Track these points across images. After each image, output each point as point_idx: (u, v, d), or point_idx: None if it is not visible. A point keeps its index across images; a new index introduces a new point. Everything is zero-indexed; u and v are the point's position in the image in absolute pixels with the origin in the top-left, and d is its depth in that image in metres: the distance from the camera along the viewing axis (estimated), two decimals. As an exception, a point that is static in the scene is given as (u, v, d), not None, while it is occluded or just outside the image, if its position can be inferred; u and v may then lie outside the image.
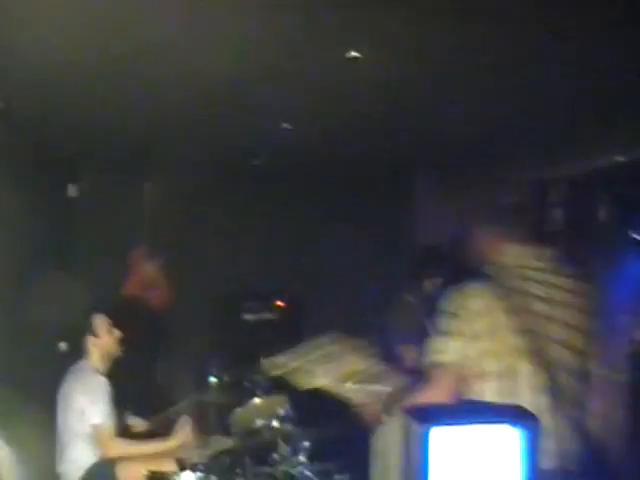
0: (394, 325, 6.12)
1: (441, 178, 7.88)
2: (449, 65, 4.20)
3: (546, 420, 3.29)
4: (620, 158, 5.56)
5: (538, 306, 3.42)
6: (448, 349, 3.44)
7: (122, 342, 5.18)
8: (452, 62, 4.14)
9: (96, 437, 4.88)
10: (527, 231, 3.72)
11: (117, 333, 5.16)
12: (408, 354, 5.98)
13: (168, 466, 4.74)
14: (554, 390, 3.34)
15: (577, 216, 6.75)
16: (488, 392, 3.38)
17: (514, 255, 3.57)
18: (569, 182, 7.02)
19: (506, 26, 3.56)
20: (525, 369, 3.38)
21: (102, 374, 5.03)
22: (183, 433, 5.06)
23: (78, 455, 4.89)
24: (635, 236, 5.54)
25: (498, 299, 3.44)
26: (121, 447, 4.95)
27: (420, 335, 6.01)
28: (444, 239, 7.33)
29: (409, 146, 6.58)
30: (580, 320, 3.42)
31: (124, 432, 5.17)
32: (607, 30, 3.54)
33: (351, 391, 4.08)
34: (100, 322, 5.13)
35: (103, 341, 5.11)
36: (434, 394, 3.43)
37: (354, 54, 3.94)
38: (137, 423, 5.49)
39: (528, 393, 3.35)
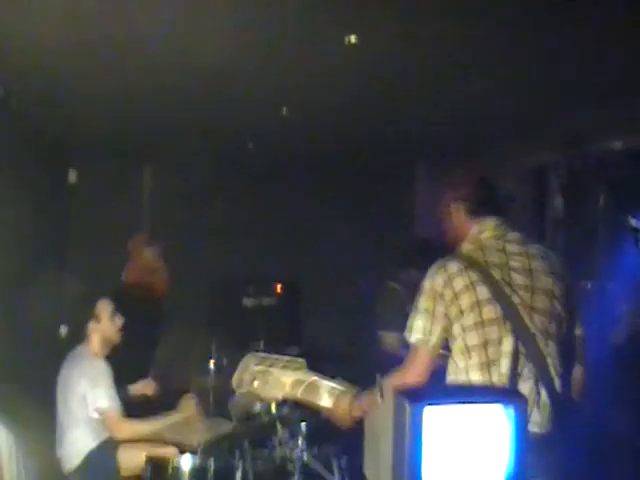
0: (379, 312, 6.22)
1: (440, 167, 7.91)
2: (448, 52, 4.21)
3: (527, 388, 3.36)
4: (618, 144, 5.57)
5: (517, 277, 3.46)
6: (428, 329, 3.50)
7: (123, 329, 5.20)
8: (450, 49, 4.16)
9: (104, 420, 4.90)
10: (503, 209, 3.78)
11: (119, 320, 5.18)
12: (388, 340, 6.11)
13: (167, 449, 4.79)
14: (535, 359, 3.38)
15: (575, 203, 6.76)
16: (471, 365, 3.44)
17: (491, 229, 3.61)
18: (567, 169, 7.04)
19: (500, 12, 3.58)
20: (507, 340, 3.42)
21: (102, 358, 5.06)
22: (188, 407, 5.09)
23: (78, 440, 4.92)
24: (632, 223, 5.56)
25: (478, 273, 3.48)
26: (131, 427, 4.98)
27: (404, 323, 6.16)
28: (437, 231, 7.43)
29: (408, 134, 6.59)
30: (560, 290, 3.46)
31: (129, 405, 5.19)
32: (603, 17, 3.56)
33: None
34: (103, 307, 5.15)
35: (104, 326, 5.12)
36: (410, 374, 3.49)
37: (353, 40, 3.95)
38: (144, 385, 5.52)
39: (509, 363, 3.39)
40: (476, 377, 3.36)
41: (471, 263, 3.50)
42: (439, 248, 6.80)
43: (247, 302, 7.41)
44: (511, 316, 3.40)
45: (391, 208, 7.97)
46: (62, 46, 4.10)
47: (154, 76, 4.70)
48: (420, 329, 3.52)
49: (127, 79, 4.76)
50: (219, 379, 5.53)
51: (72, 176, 7.24)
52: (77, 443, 4.90)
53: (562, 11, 3.52)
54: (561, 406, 3.36)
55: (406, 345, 6.06)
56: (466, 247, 3.62)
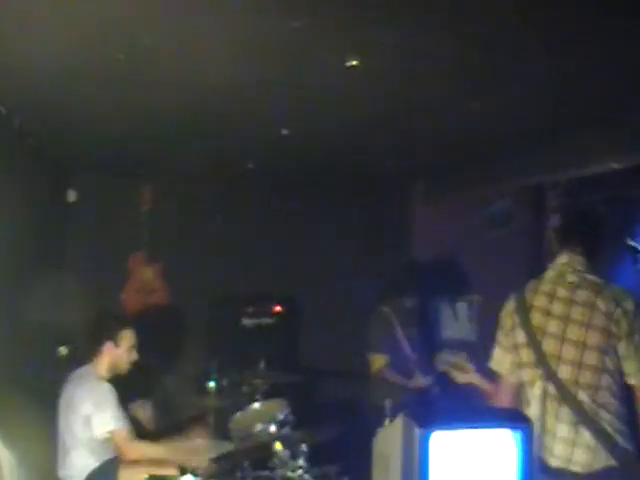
0: (370, 334, 6.33)
1: (437, 186, 7.94)
2: (445, 71, 4.23)
3: (565, 430, 3.39)
4: (615, 165, 5.59)
5: (553, 325, 3.52)
6: (499, 359, 3.76)
7: (133, 364, 5.18)
8: (447, 68, 4.17)
9: (115, 441, 4.88)
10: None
11: (134, 356, 5.16)
12: (375, 362, 6.22)
13: (169, 470, 4.78)
14: (571, 403, 3.41)
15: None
16: (522, 400, 3.56)
17: (557, 267, 3.65)
18: (565, 188, 7.06)
19: (501, 31, 3.60)
20: (537, 384, 3.49)
21: (106, 380, 5.03)
22: (200, 434, 5.08)
23: (80, 460, 4.89)
24: (631, 243, 5.60)
25: (520, 317, 3.58)
26: (141, 448, 4.96)
27: (392, 346, 6.33)
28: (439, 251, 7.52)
29: (408, 154, 6.61)
30: (603, 336, 3.45)
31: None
32: (600, 34, 3.59)
33: None
34: (127, 336, 5.12)
35: (120, 353, 5.08)
36: (495, 401, 3.67)
37: (353, 62, 3.97)
38: (138, 406, 5.49)
39: (538, 405, 3.45)
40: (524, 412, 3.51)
41: (519, 305, 3.61)
42: (434, 273, 6.91)
43: (247, 322, 7.40)
44: (541, 362, 3.46)
45: (391, 228, 7.99)
46: (63, 65, 4.11)
47: (154, 94, 4.70)
48: (494, 359, 3.78)
49: (127, 97, 4.77)
50: (219, 399, 5.53)
51: (71, 196, 7.23)
52: (79, 463, 4.88)
53: (560, 30, 3.54)
54: (615, 448, 3.37)
55: (393, 367, 6.26)
56: (533, 283, 3.71)
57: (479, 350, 4.21)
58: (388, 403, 3.75)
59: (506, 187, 7.40)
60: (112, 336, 5.09)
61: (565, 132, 5.56)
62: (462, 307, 7.86)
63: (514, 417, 2.91)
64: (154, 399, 5.63)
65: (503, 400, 3.72)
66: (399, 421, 2.64)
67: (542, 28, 3.52)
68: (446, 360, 4.17)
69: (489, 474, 2.70)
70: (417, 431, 2.54)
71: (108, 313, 5.43)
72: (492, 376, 4.09)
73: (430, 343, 6.69)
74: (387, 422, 3.39)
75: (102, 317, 5.35)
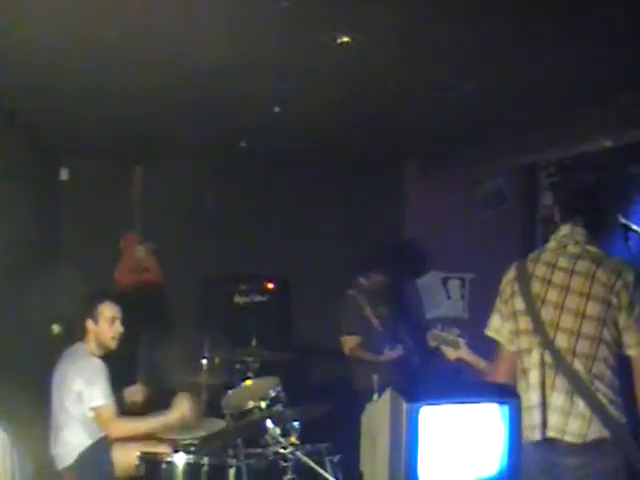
0: (340, 318, 6.38)
1: (429, 165, 7.94)
2: (437, 50, 4.22)
3: (561, 399, 3.40)
4: (607, 143, 5.59)
5: (552, 294, 3.52)
6: (498, 327, 3.73)
7: (120, 337, 5.19)
8: (440, 47, 4.16)
9: (99, 418, 4.91)
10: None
11: (119, 328, 5.18)
12: (348, 344, 6.27)
13: (161, 447, 4.80)
14: (567, 372, 3.42)
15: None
16: (519, 369, 3.57)
17: (557, 238, 3.66)
18: (558, 167, 7.07)
19: (492, 12, 3.59)
20: (535, 352, 3.49)
21: (97, 356, 5.05)
22: (182, 405, 5.09)
23: (73, 438, 4.92)
24: (623, 221, 5.59)
25: (520, 285, 3.58)
26: (126, 425, 4.98)
27: (363, 326, 6.38)
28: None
29: (399, 133, 6.60)
30: (603, 308, 3.46)
31: (123, 409, 5.19)
32: (589, 17, 3.58)
33: None
34: (103, 309, 5.14)
35: (100, 329, 5.10)
36: (491, 371, 3.66)
37: (345, 39, 3.96)
38: (134, 390, 5.50)
39: (537, 374, 3.46)
40: (519, 381, 3.55)
41: (520, 273, 3.64)
42: (389, 255, 6.93)
43: (238, 299, 7.40)
44: (539, 330, 3.47)
45: (384, 206, 7.98)
46: (53, 46, 4.09)
47: (145, 75, 4.69)
48: (492, 326, 3.75)
49: (118, 78, 4.75)
50: (212, 377, 5.54)
51: (64, 174, 7.23)
52: (72, 441, 4.91)
53: (552, 13, 3.54)
54: (609, 420, 3.38)
55: (366, 348, 6.30)
56: (534, 253, 3.73)
57: (471, 327, 4.21)
58: (376, 379, 3.76)
59: (499, 166, 7.41)
60: (90, 314, 5.11)
61: (557, 111, 5.56)
62: (454, 285, 7.88)
63: (501, 391, 2.93)
64: (146, 377, 5.62)
65: (501, 368, 3.71)
66: (387, 396, 2.65)
67: (533, 10, 3.51)
68: (438, 336, 4.15)
69: (476, 448, 2.72)
70: (405, 406, 2.55)
71: (85, 295, 5.41)
72: (483, 353, 4.10)
73: (407, 319, 6.76)
74: (375, 398, 3.40)
75: (81, 299, 5.35)
